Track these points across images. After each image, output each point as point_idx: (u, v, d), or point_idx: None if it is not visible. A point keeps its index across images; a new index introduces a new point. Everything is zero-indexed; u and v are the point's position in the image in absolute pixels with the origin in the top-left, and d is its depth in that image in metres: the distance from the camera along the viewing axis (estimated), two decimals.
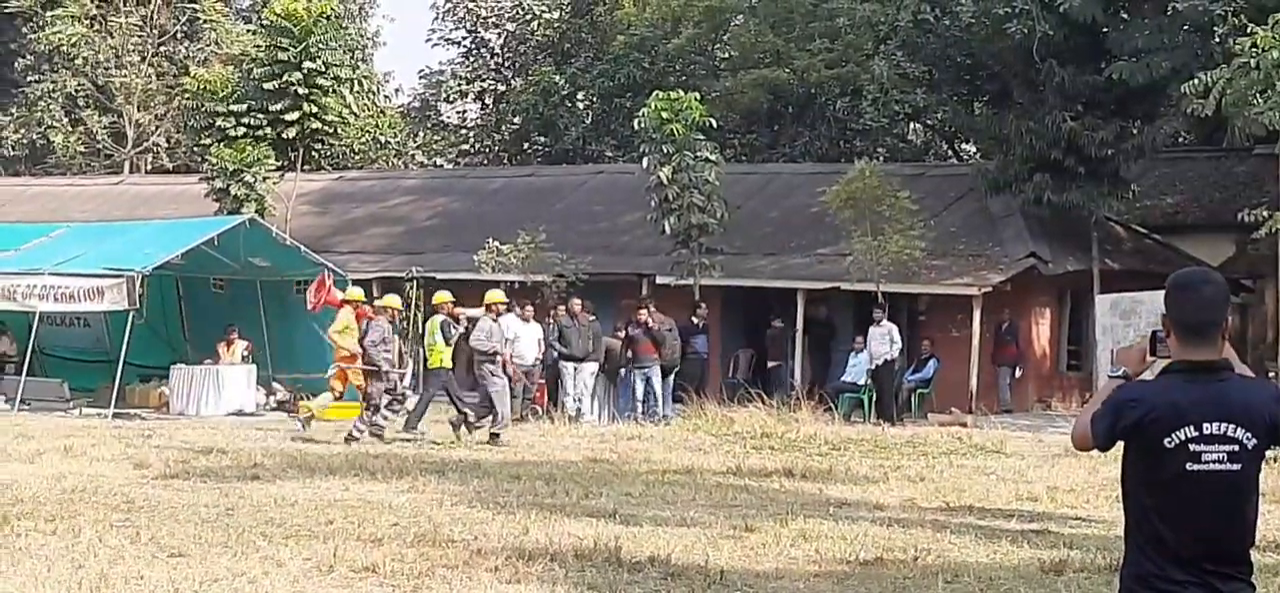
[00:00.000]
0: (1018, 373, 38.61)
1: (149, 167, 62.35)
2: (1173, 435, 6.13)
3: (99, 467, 21.73)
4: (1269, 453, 6.42)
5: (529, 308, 34.00)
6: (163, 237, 34.87)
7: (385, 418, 28.10)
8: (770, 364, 38.99)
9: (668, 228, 39.18)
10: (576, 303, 34.62)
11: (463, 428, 28.29)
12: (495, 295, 30.42)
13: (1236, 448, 6.10)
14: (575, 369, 33.35)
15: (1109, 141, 38.28)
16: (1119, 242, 40.85)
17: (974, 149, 48.39)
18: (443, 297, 31.06)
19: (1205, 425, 6.09)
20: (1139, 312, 34.57)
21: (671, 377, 34.73)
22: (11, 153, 65.33)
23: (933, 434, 30.41)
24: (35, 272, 33.16)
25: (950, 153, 54.10)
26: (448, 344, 30.01)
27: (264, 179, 45.17)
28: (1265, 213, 33.37)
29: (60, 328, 34.06)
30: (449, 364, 30.15)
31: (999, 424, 32.49)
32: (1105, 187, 39.03)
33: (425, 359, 31.43)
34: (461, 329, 31.08)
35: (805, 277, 38.68)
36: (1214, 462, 6.10)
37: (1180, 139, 41.52)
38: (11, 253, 34.32)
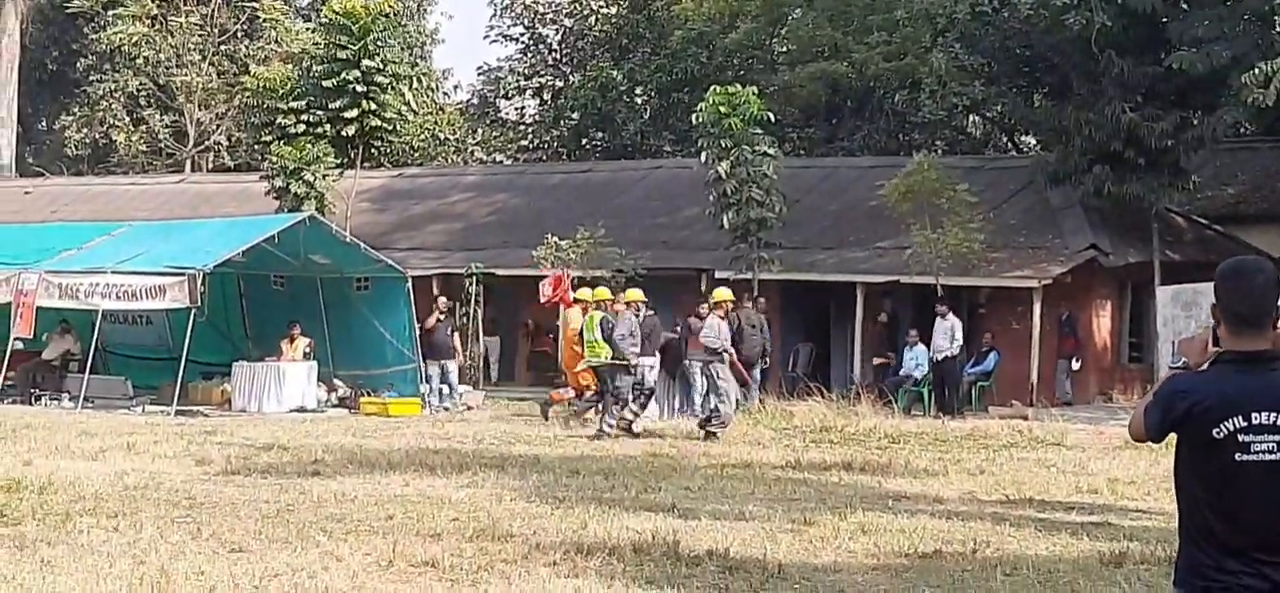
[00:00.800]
0: (1077, 365, 38.54)
1: (210, 165, 62.80)
2: (1221, 426, 6.11)
3: (161, 464, 21.89)
4: None
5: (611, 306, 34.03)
6: (223, 235, 35.07)
7: (633, 412, 28.56)
8: (875, 361, 38.78)
9: (726, 222, 39.23)
10: (610, 302, 34.58)
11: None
12: (723, 294, 30.50)
13: None
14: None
15: (1169, 132, 38.14)
16: (1180, 233, 40.71)
17: (1033, 141, 48.38)
18: (602, 292, 31.47)
19: (1254, 416, 6.06)
20: (1200, 303, 34.44)
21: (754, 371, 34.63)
22: (74, 153, 65.83)
23: (993, 427, 30.39)
24: (98, 270, 33.42)
25: (1009, 145, 54.00)
26: (605, 340, 30.17)
27: (324, 176, 45.35)
28: None
29: (123, 326, 34.32)
30: (610, 358, 30.24)
31: (1059, 417, 32.48)
32: (1165, 178, 38.91)
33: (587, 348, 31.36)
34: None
35: (865, 270, 38.66)
36: (1264, 452, 6.07)
37: (1241, 130, 41.30)
38: (74, 252, 34.59)
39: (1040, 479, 22.00)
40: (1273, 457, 6.06)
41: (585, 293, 32.02)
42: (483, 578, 13.51)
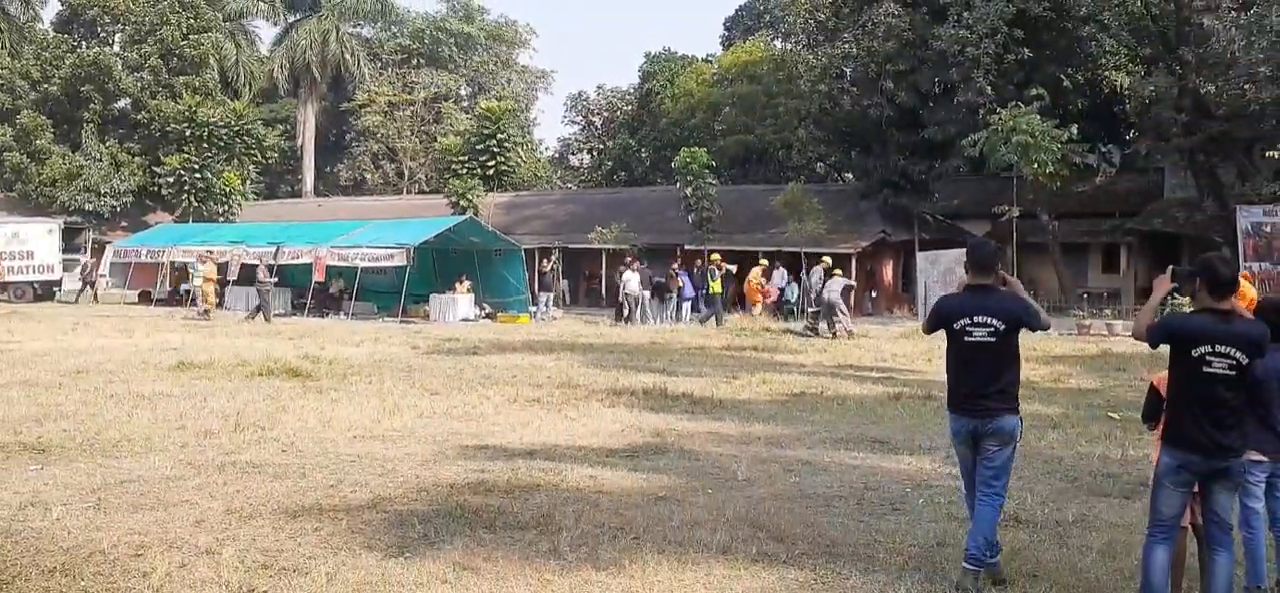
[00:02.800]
0: (875, 294, 38.48)
1: (416, 191, 62.52)
2: (960, 321, 6.20)
3: (392, 348, 21.92)
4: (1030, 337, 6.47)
5: (633, 262, 33.95)
6: (424, 227, 34.87)
7: (831, 328, 27.00)
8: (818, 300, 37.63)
9: (690, 220, 39.20)
10: (629, 259, 34.62)
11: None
12: (826, 261, 29.83)
13: (993, 329, 6.14)
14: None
15: (923, 171, 38.25)
16: (928, 225, 40.54)
17: (852, 176, 48.06)
18: (716, 257, 32.43)
19: (976, 316, 6.15)
20: (940, 261, 34.32)
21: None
22: (344, 184, 65.69)
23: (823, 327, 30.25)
24: (357, 246, 33.35)
25: (839, 179, 53.72)
26: (718, 284, 31.21)
27: (477, 196, 45.29)
28: (1005, 208, 33.20)
29: (371, 276, 34.18)
30: (720, 292, 31.33)
31: (866, 321, 32.34)
32: (921, 195, 38.96)
33: (706, 289, 31.94)
34: (731, 272, 32.48)
35: (763, 245, 38.55)
36: (981, 335, 6.16)
37: (961, 169, 41.18)
38: (344, 238, 34.51)
39: (856, 354, 21.98)
40: (983, 338, 6.15)
41: (715, 256, 33.04)
42: (565, 406, 13.54)
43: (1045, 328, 6.44)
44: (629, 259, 34.84)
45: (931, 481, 9.41)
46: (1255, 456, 5.74)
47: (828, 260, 30.16)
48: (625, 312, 32.06)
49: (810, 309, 28.82)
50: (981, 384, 6.19)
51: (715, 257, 32.80)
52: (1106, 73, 37.94)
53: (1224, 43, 31.02)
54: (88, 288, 38.99)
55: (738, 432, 11.93)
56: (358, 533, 7.24)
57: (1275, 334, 5.70)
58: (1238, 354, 5.32)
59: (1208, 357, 5.35)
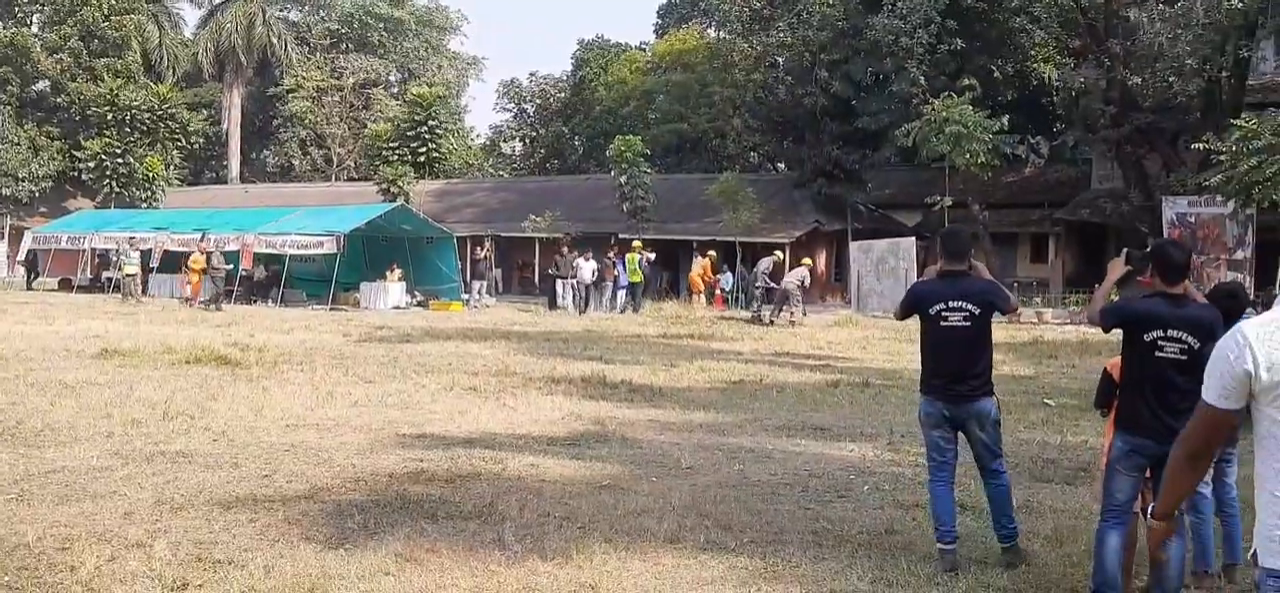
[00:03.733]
0: (809, 282, 38.54)
1: (346, 177, 61.54)
2: (934, 307, 6.23)
3: (323, 336, 21.54)
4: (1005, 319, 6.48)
5: (588, 252, 33.67)
6: (354, 214, 34.40)
7: (773, 316, 27.73)
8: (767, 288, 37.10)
9: (625, 208, 39.06)
10: (564, 247, 34.42)
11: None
12: (777, 255, 31.05)
13: (968, 314, 6.18)
14: (563, 284, 33.10)
15: (857, 161, 38.40)
16: (861, 214, 40.78)
17: (785, 166, 48.20)
18: (639, 245, 33.15)
19: (951, 301, 6.21)
20: (873, 250, 34.62)
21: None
22: (271, 170, 64.55)
23: (765, 315, 30.35)
24: (285, 233, 32.84)
25: (773, 168, 53.84)
26: (640, 271, 31.94)
27: (408, 183, 44.76)
28: (937, 198, 33.51)
29: (301, 263, 33.57)
30: (642, 281, 32.12)
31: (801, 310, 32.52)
32: (855, 184, 39.16)
33: (628, 277, 32.56)
34: (650, 260, 33.40)
35: (697, 234, 38.56)
36: (956, 320, 6.22)
37: (893, 159, 41.45)
38: (273, 224, 33.91)
39: (792, 342, 22.07)
40: (961, 324, 6.22)
41: (637, 244, 33.52)
42: (502, 395, 13.38)
43: (1014, 310, 6.62)
44: (563, 247, 34.65)
45: (875, 468, 9.43)
46: None
47: (779, 253, 30.47)
48: (576, 299, 32.00)
49: (755, 289, 29.06)
50: (958, 369, 6.28)
51: (637, 244, 32.78)
52: (1036, 64, 38.47)
53: (1151, 35, 31.54)
54: (31, 274, 38.11)
55: (679, 420, 11.86)
56: (294, 524, 7.04)
57: (1227, 320, 5.74)
58: (1189, 339, 5.35)
59: (1160, 342, 5.37)
